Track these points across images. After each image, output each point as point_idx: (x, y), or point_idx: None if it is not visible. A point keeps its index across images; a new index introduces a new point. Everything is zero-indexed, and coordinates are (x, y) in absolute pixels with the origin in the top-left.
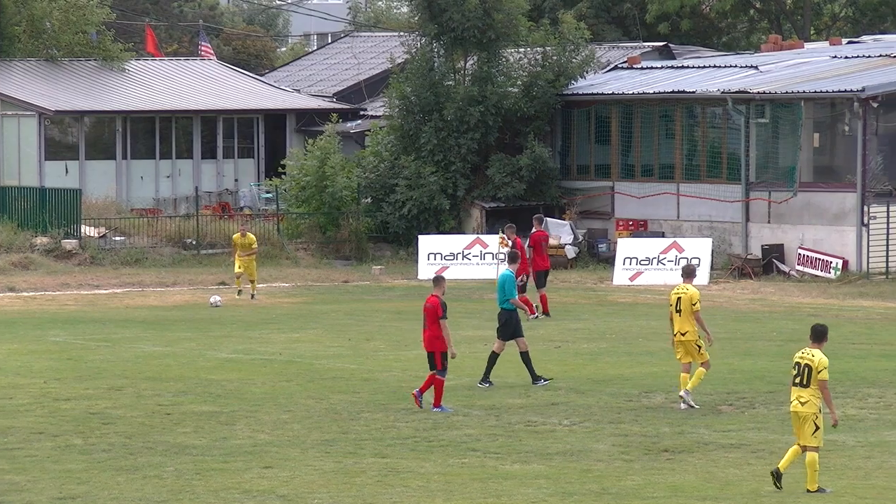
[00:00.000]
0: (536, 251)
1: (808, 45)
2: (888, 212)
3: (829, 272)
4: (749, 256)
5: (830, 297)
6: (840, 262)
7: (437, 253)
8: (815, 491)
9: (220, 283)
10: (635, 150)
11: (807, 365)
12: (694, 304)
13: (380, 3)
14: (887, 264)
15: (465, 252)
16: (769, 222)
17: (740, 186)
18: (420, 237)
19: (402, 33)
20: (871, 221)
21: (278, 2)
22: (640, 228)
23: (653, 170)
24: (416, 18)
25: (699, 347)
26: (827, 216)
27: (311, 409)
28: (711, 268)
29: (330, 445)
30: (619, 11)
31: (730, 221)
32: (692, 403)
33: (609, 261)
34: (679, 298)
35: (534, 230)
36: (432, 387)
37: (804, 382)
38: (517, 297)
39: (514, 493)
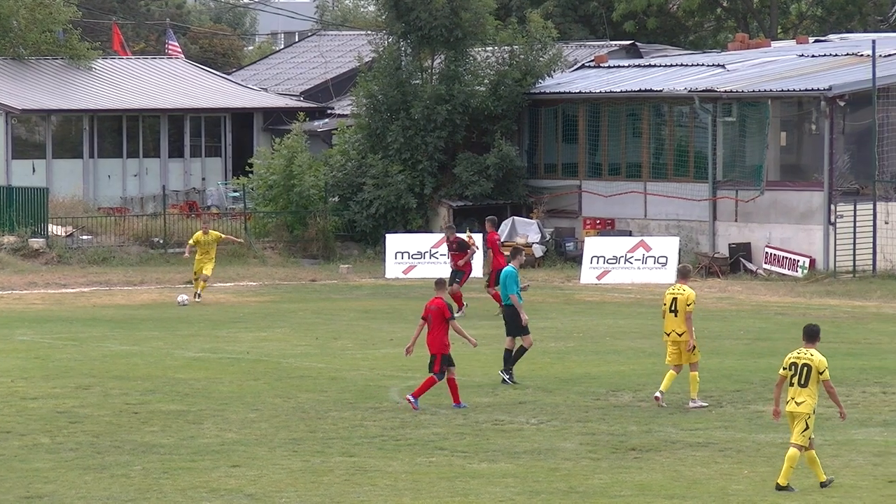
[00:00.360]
0: (495, 252)
1: (775, 44)
2: (855, 210)
3: (797, 271)
4: (716, 255)
5: (798, 295)
6: (807, 260)
7: (405, 252)
8: (784, 487)
9: (188, 281)
10: (602, 149)
11: (805, 365)
12: (689, 305)
13: (347, 1)
14: (854, 263)
15: (433, 251)
16: (736, 221)
17: (707, 185)
18: (387, 236)
19: (369, 32)
20: (837, 220)
21: (245, 0)
22: (607, 227)
23: (620, 168)
24: (384, 17)
25: (693, 349)
26: (794, 215)
27: (278, 408)
28: None
29: (297, 444)
30: (586, 10)
31: (697, 220)
32: (702, 404)
33: (576, 259)
34: (675, 299)
35: (488, 232)
36: (432, 388)
37: (803, 382)
38: (518, 292)
39: (481, 492)
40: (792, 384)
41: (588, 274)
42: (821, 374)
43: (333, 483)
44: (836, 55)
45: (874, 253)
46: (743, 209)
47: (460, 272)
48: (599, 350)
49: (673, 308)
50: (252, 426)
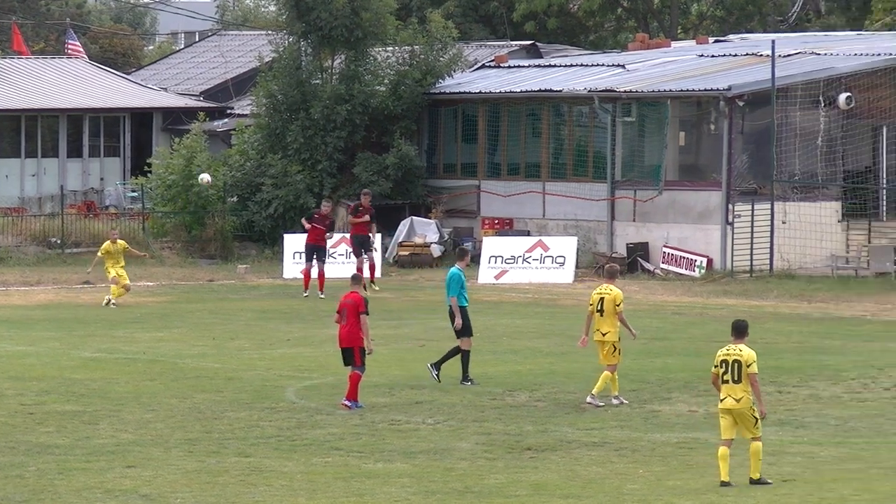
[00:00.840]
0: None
1: (675, 44)
2: (753, 210)
3: (694, 270)
4: (614, 255)
5: (695, 295)
6: (704, 260)
7: (303, 252)
8: (758, 480)
9: (85, 282)
10: (502, 149)
11: (736, 360)
12: (618, 305)
13: (247, 1)
14: (751, 262)
15: (331, 251)
16: (634, 221)
17: (606, 185)
18: (285, 236)
19: (269, 32)
20: (735, 220)
21: (146, 0)
22: (505, 227)
23: (519, 168)
24: (284, 17)
25: (615, 348)
26: (692, 214)
27: (174, 409)
28: (577, 266)
29: (193, 445)
30: (487, 10)
31: (595, 220)
32: (599, 403)
33: (474, 259)
34: (602, 299)
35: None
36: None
37: (736, 379)
38: (461, 294)
39: (376, 492)
40: (726, 381)
41: (486, 274)
42: (748, 367)
43: (229, 483)
44: (735, 55)
45: (771, 253)
46: (641, 209)
47: (322, 249)
48: (497, 350)
49: (600, 308)
50: (148, 427)
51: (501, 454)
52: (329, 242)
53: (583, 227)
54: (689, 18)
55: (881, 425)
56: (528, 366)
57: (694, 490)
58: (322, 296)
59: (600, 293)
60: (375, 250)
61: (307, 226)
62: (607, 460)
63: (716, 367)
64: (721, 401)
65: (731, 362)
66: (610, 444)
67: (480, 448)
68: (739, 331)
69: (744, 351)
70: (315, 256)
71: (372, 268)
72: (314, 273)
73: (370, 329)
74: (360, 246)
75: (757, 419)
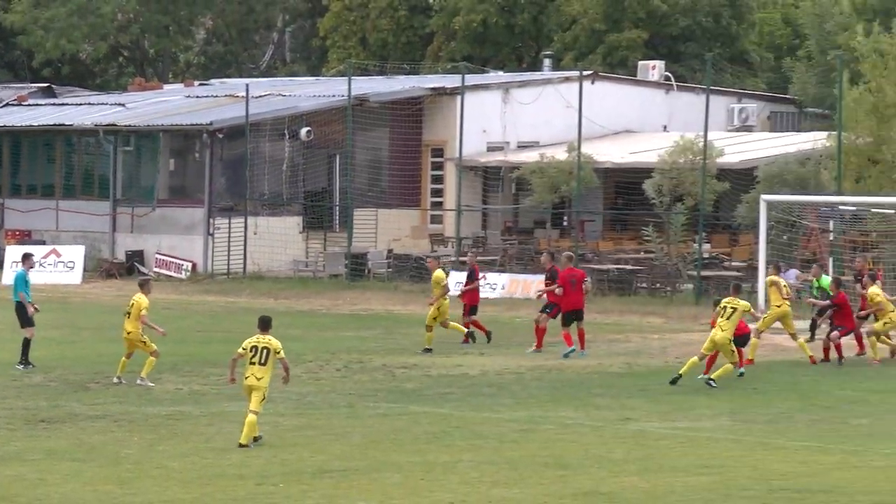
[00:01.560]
0: None
1: (167, 87)
2: (230, 223)
3: (181, 273)
4: (115, 260)
5: (182, 293)
6: (190, 264)
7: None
8: (246, 445)
9: None
10: (23, 172)
11: (265, 348)
12: (142, 311)
13: None
14: (228, 266)
15: None
16: (132, 232)
17: (109, 203)
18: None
19: None
20: (215, 231)
21: None
22: (25, 237)
23: (37, 188)
24: None
25: (144, 343)
26: (180, 227)
27: None
28: (84, 270)
29: None
30: (11, 57)
31: (100, 231)
32: (150, 384)
33: None
34: (133, 304)
35: None
36: None
37: (263, 362)
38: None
39: None
40: (253, 363)
41: (9, 275)
42: (277, 353)
43: None
44: (216, 96)
45: (245, 258)
46: (138, 223)
47: None
48: (17, 339)
49: (128, 311)
50: None
51: (20, 425)
52: None
53: (90, 237)
54: (179, 65)
55: (333, 399)
56: (42, 352)
57: (180, 453)
58: None
59: (132, 302)
60: None
61: None
62: (108, 430)
63: (243, 349)
64: (245, 378)
65: (260, 348)
66: (110, 417)
67: (2, 420)
68: (265, 324)
69: (272, 341)
70: None
71: None
72: None
73: None
74: None
75: (265, 397)
